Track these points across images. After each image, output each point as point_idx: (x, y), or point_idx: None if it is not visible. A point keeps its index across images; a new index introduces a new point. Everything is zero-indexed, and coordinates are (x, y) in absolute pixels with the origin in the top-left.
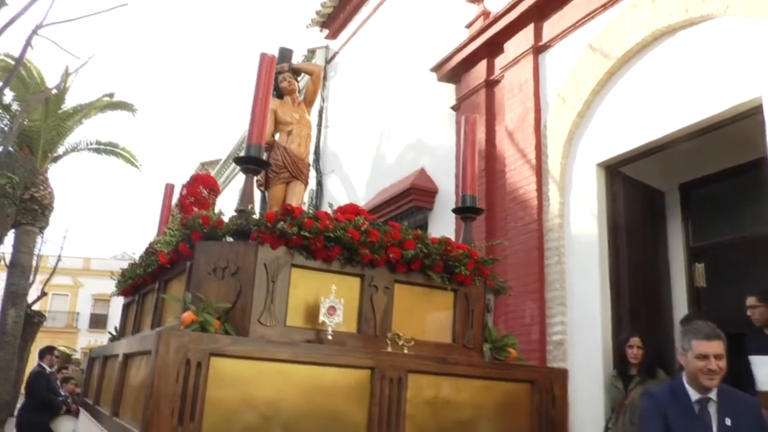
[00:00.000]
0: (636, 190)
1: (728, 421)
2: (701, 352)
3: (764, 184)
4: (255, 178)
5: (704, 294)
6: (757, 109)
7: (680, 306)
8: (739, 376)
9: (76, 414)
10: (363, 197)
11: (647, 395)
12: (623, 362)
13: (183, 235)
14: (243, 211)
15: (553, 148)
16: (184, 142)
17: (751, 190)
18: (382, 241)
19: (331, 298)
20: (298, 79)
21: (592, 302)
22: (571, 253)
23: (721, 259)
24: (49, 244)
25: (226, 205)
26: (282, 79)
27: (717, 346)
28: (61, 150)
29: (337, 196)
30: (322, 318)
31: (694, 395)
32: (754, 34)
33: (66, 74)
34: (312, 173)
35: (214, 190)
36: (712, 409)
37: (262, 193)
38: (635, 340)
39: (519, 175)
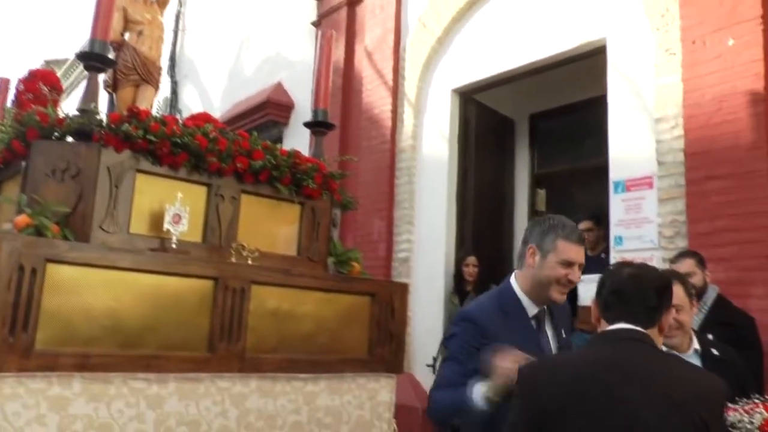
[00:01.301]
0: (488, 117)
1: (563, 333)
2: (569, 258)
3: (603, 119)
4: (102, 78)
5: None
6: (602, 49)
7: (521, 228)
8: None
9: None
10: (219, 108)
11: (464, 318)
12: (460, 279)
13: (17, 132)
14: (85, 111)
15: (411, 71)
16: (26, 35)
17: (592, 124)
18: (230, 150)
19: (177, 205)
20: None
21: (439, 222)
22: (421, 174)
23: (560, 186)
24: None
25: (72, 110)
26: None
27: (582, 254)
28: None
29: (192, 105)
30: (166, 226)
31: (531, 309)
32: None
33: None
34: (167, 80)
35: (56, 88)
36: (548, 322)
37: (110, 95)
38: (471, 259)
39: (375, 96)
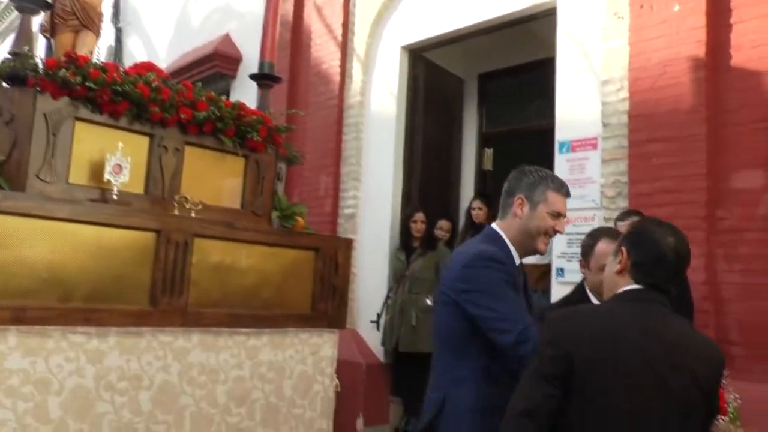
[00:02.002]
0: (437, 75)
1: (530, 290)
2: (558, 210)
3: (552, 80)
4: (39, 22)
5: (490, 176)
6: (552, 11)
7: (468, 186)
8: None
9: None
10: (165, 59)
11: (488, 258)
12: (407, 236)
13: None
14: (18, 54)
15: (360, 27)
16: None
17: (540, 85)
18: (173, 100)
19: (118, 155)
20: None
21: (386, 179)
22: (369, 131)
23: (507, 146)
24: None
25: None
26: None
27: (566, 206)
28: None
29: (137, 55)
30: (107, 176)
31: (516, 259)
32: None
33: None
34: (110, 28)
35: None
36: (521, 276)
37: (48, 40)
38: (419, 216)
39: (324, 51)
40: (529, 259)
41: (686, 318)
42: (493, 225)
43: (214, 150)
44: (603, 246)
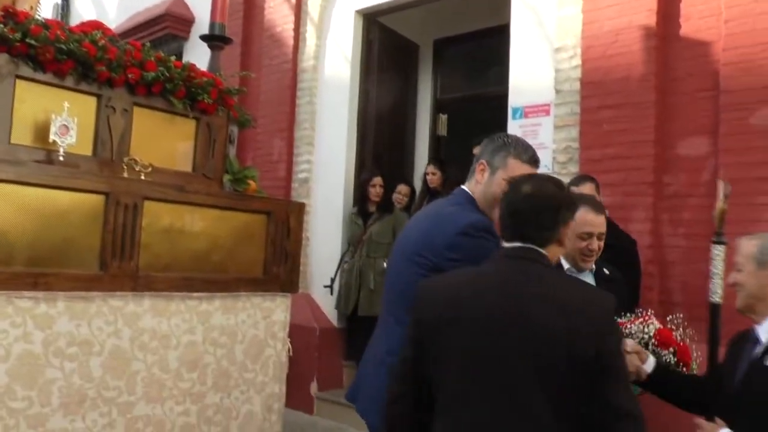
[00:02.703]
0: (392, 40)
1: None
2: (513, 175)
3: (506, 47)
4: None
5: (444, 142)
6: None
7: (422, 152)
8: None
9: None
10: (114, 20)
11: (484, 227)
12: (364, 200)
13: None
14: None
15: None
16: None
17: (495, 51)
18: (121, 60)
19: (64, 116)
20: None
21: (339, 143)
22: (323, 95)
23: (462, 112)
24: None
25: None
26: None
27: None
28: None
29: (86, 14)
30: (53, 137)
31: None
32: None
33: None
34: None
35: None
36: None
37: None
38: (377, 180)
39: (278, 14)
40: None
41: (634, 280)
42: (464, 187)
43: (163, 112)
44: (582, 214)
